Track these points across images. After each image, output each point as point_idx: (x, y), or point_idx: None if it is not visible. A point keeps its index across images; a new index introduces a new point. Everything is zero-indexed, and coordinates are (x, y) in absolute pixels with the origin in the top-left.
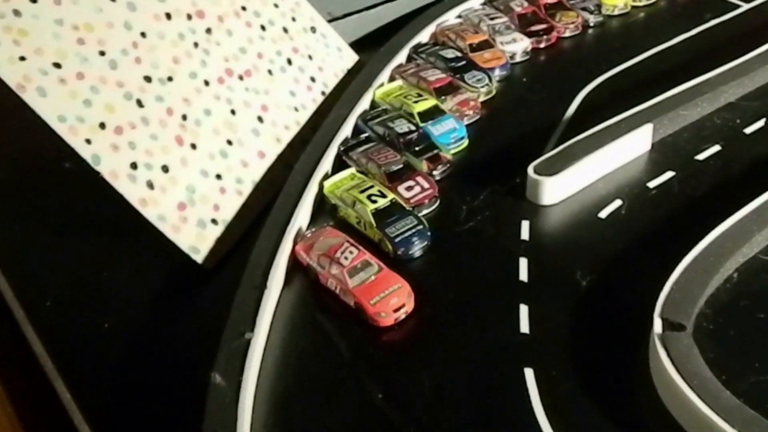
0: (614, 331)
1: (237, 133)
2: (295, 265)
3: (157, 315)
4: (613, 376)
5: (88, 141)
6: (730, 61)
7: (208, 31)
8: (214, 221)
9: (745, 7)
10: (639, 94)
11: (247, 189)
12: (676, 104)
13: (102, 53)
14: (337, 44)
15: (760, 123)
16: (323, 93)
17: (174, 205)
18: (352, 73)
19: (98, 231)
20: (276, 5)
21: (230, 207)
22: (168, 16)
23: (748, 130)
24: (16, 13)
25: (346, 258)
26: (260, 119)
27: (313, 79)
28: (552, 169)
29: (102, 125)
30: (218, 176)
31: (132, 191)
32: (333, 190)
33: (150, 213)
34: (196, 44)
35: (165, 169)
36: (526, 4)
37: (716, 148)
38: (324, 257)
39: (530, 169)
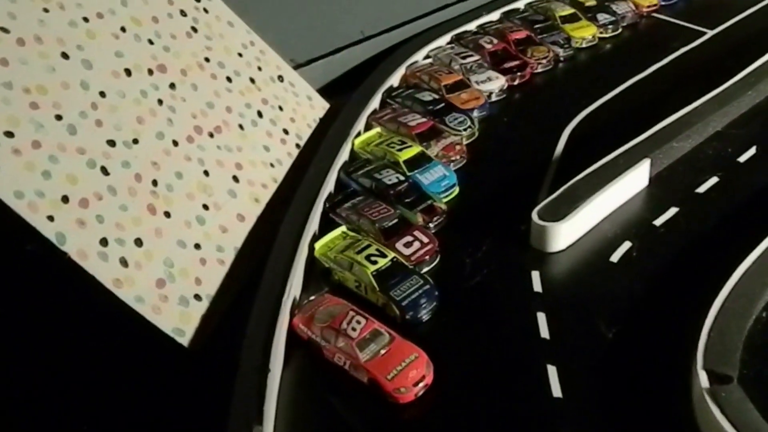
0: (651, 386)
1: (212, 196)
2: (293, 339)
3: (146, 407)
4: None
5: (51, 218)
6: (708, 88)
7: (172, 86)
8: (197, 297)
9: (710, 33)
10: (625, 127)
11: (230, 257)
12: (669, 137)
13: (59, 117)
14: (306, 92)
15: (752, 150)
16: (298, 146)
17: (152, 283)
18: (325, 122)
19: (69, 318)
20: (240, 54)
21: (213, 279)
22: (128, 72)
23: (742, 159)
24: None
25: (353, 329)
26: (236, 179)
27: (286, 132)
28: (557, 213)
29: (65, 198)
30: (197, 246)
31: (104, 271)
32: (325, 252)
33: (126, 294)
34: (160, 101)
35: (138, 242)
36: (495, 41)
37: (714, 179)
38: (328, 329)
39: (534, 215)
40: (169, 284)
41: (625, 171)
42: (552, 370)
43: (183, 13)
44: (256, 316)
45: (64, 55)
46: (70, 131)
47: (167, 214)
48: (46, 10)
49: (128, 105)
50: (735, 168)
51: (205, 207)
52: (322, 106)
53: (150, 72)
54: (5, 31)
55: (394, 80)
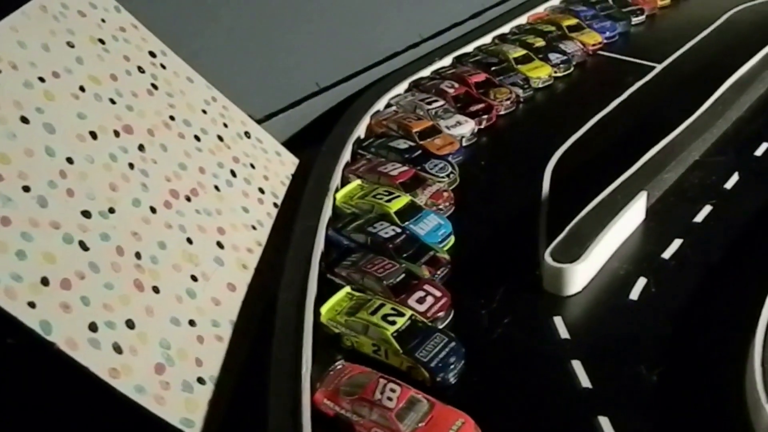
0: (711, 427)
1: (199, 265)
2: (317, 417)
3: None
4: None
5: (32, 304)
6: (676, 119)
7: (141, 147)
8: (200, 380)
9: (659, 67)
10: (604, 161)
11: (227, 332)
12: (658, 168)
13: (26, 189)
14: (274, 148)
15: (735, 176)
16: (275, 204)
17: (150, 369)
18: (298, 178)
19: (64, 416)
20: (204, 111)
21: (214, 359)
22: (93, 135)
23: (729, 185)
24: None
25: (389, 398)
26: (220, 245)
27: (261, 191)
28: (569, 254)
29: (44, 281)
30: (191, 322)
31: (98, 361)
32: (333, 317)
33: (125, 385)
34: (131, 165)
35: (130, 324)
36: (456, 85)
37: (708, 207)
38: (359, 402)
39: (547, 258)
40: (169, 368)
41: (625, 206)
42: (605, 421)
43: (141, 70)
44: (275, 397)
45: (24, 120)
46: (40, 203)
47: (156, 290)
48: None
49: (98, 171)
50: (725, 195)
51: (194, 278)
52: (291, 161)
53: (116, 134)
54: None
55: (360, 130)
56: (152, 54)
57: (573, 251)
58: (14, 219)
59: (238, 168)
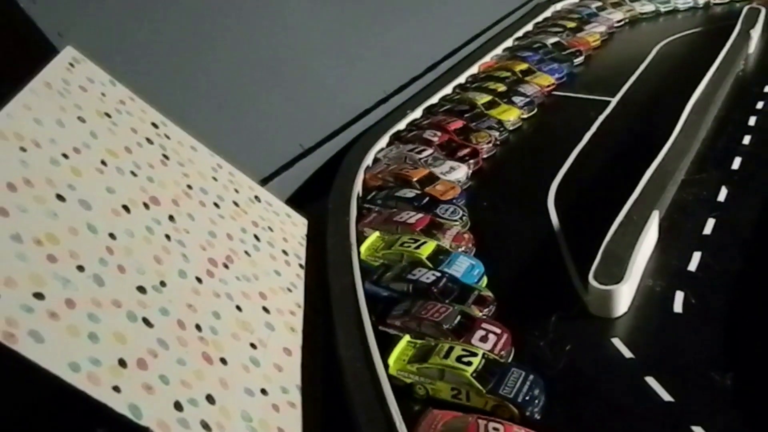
0: None
1: (254, 332)
2: None
3: None
4: None
5: (116, 389)
6: (651, 143)
7: (171, 218)
8: None
9: (614, 100)
10: (600, 188)
11: (297, 398)
12: (658, 189)
13: (81, 268)
14: (284, 210)
15: (724, 190)
16: (301, 266)
17: None
18: (312, 238)
19: None
20: (215, 178)
21: (294, 426)
22: (126, 209)
23: (721, 198)
24: None
25: None
26: (266, 310)
27: (285, 253)
28: (612, 275)
29: (122, 362)
30: (263, 391)
31: None
32: (402, 367)
33: None
34: (168, 237)
35: (210, 399)
36: (438, 133)
37: (712, 220)
38: None
39: (592, 281)
40: None
41: (644, 225)
42: (699, 431)
43: (150, 141)
44: None
45: (60, 198)
46: (97, 282)
47: (223, 361)
48: (23, 149)
49: (140, 244)
50: (722, 207)
51: (253, 346)
52: (302, 222)
53: (146, 206)
54: None
55: (358, 186)
56: (155, 125)
57: (614, 272)
58: (77, 301)
59: (260, 232)
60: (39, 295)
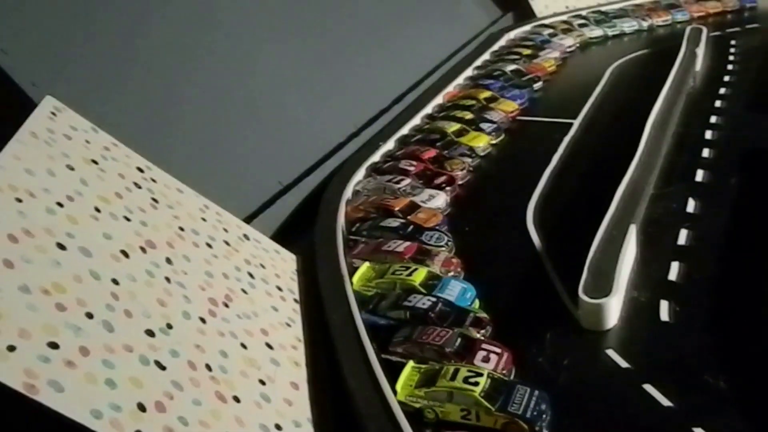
0: None
1: (261, 369)
2: None
3: None
4: None
5: None
6: (617, 161)
7: (169, 261)
8: None
9: (576, 122)
10: (574, 205)
11: (310, 430)
12: (632, 204)
13: (90, 315)
14: (272, 247)
15: (692, 201)
16: (296, 300)
17: None
18: (302, 273)
19: None
20: (204, 219)
21: None
22: (125, 254)
23: (690, 209)
24: None
25: None
26: (269, 346)
27: (280, 288)
28: (600, 290)
29: (141, 407)
30: (278, 426)
31: None
32: (410, 393)
33: None
34: (168, 279)
35: None
36: (414, 162)
37: (685, 231)
38: None
39: (582, 296)
40: None
41: (623, 239)
42: None
43: (138, 186)
44: None
45: (61, 246)
46: (107, 329)
47: (236, 399)
48: (18, 200)
49: (143, 288)
50: (692, 218)
51: (262, 382)
52: (291, 257)
53: (143, 250)
54: None
55: (341, 219)
56: (140, 169)
57: (602, 286)
58: (91, 348)
59: (253, 270)
60: (54, 345)
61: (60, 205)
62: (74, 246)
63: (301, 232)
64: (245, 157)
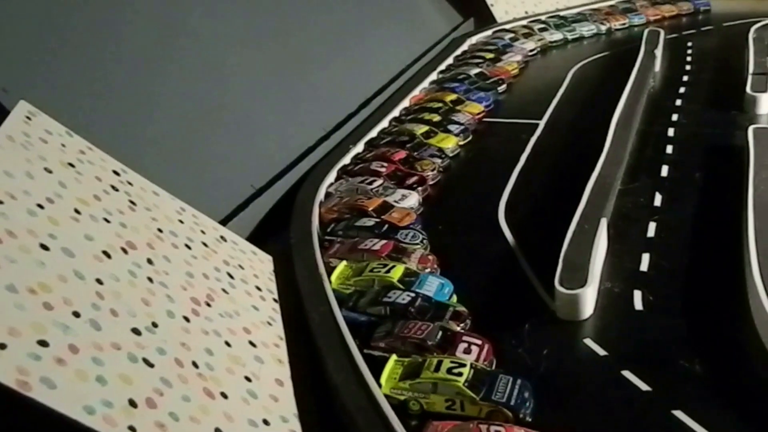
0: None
1: (245, 366)
2: None
3: None
4: None
5: (132, 428)
6: (584, 158)
7: (150, 261)
8: None
9: (542, 122)
10: (543, 202)
11: (297, 426)
12: (601, 199)
13: (77, 314)
14: (249, 248)
15: (659, 195)
16: (275, 300)
17: None
18: (280, 273)
19: None
20: (181, 221)
21: None
22: (107, 254)
23: (657, 203)
24: None
25: None
26: (252, 344)
27: (259, 288)
28: (576, 280)
29: (132, 403)
30: (266, 422)
31: None
32: (395, 386)
33: None
34: (150, 279)
35: None
36: (385, 164)
37: (653, 224)
38: None
39: (558, 287)
40: None
41: (595, 233)
42: (680, 414)
43: (115, 188)
44: None
45: (44, 247)
46: (94, 327)
47: (224, 395)
48: (0, 202)
49: (126, 288)
50: (660, 212)
51: (248, 379)
52: (267, 259)
53: (125, 251)
54: None
55: (315, 220)
56: (116, 173)
57: (577, 277)
58: (80, 346)
59: (232, 270)
60: (43, 343)
61: (40, 206)
62: (57, 247)
63: (275, 234)
64: (217, 160)
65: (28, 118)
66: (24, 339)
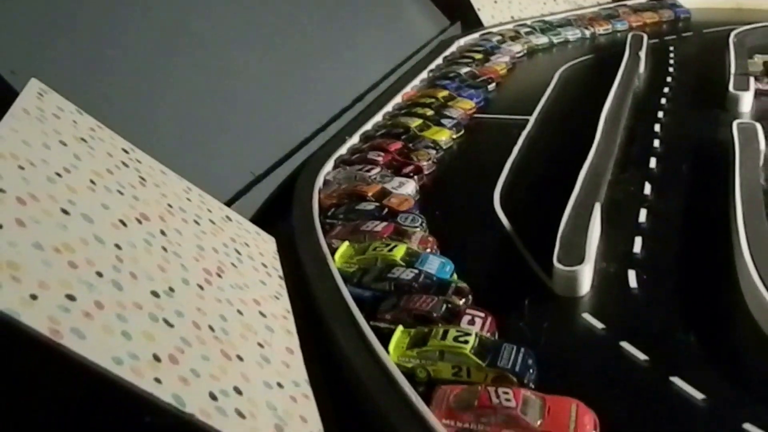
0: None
1: (257, 333)
2: None
3: None
4: None
5: (158, 380)
6: (574, 150)
7: (163, 233)
8: None
9: (532, 118)
10: (537, 190)
11: (309, 391)
12: (594, 187)
13: (99, 274)
14: (253, 229)
15: (648, 185)
16: (280, 277)
17: (273, 430)
18: (283, 253)
19: None
20: (188, 199)
21: (312, 415)
22: (123, 223)
23: (647, 192)
24: None
25: (507, 400)
26: (262, 314)
27: (264, 265)
28: (573, 258)
29: (156, 357)
30: (279, 385)
31: (230, 427)
32: (403, 354)
33: None
34: (164, 248)
35: (238, 390)
36: (382, 153)
37: (644, 210)
38: (482, 411)
39: (557, 264)
40: (286, 429)
41: (590, 216)
42: (677, 381)
43: (125, 164)
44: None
45: (65, 212)
46: (117, 287)
47: (240, 358)
48: (21, 167)
49: (143, 255)
50: (650, 200)
51: (260, 345)
52: (270, 239)
53: (139, 221)
54: (2, 191)
55: (316, 205)
56: (125, 150)
57: (574, 255)
58: (105, 303)
59: (239, 247)
60: (71, 297)
61: (59, 175)
62: (77, 212)
63: (276, 219)
64: (218, 148)
65: (40, 94)
66: (53, 292)
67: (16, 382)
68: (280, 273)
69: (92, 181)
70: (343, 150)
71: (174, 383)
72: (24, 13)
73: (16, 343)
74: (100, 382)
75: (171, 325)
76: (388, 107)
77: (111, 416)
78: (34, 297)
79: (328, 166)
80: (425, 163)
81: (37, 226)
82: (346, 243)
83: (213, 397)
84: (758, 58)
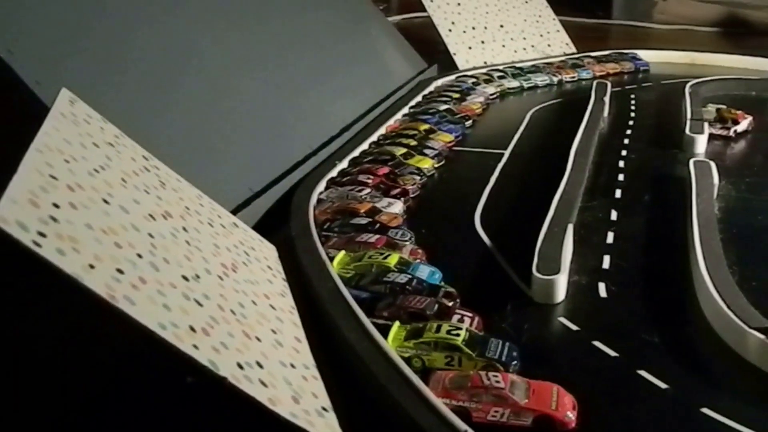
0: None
1: (270, 321)
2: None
3: None
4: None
5: (195, 347)
6: (546, 181)
7: (185, 230)
8: (324, 409)
9: (507, 151)
10: (515, 214)
11: (317, 373)
12: (566, 212)
13: (140, 256)
14: (257, 237)
15: (614, 212)
16: (284, 279)
17: (290, 401)
18: (285, 261)
19: None
20: (201, 204)
21: (321, 392)
22: (152, 217)
23: (614, 217)
24: (54, 219)
25: (497, 381)
26: (272, 307)
27: (270, 268)
28: (550, 269)
29: (192, 328)
30: (292, 365)
31: (258, 392)
32: (400, 344)
33: (283, 411)
34: (188, 242)
35: (259, 365)
36: (371, 176)
37: (611, 233)
38: (474, 390)
39: (536, 273)
40: (302, 401)
41: (564, 235)
42: (645, 374)
43: (146, 169)
44: (406, 408)
45: (105, 201)
46: (155, 268)
47: (258, 339)
48: (66, 161)
49: (172, 245)
50: (617, 225)
51: (273, 332)
52: (271, 247)
53: (164, 217)
54: (54, 178)
55: (311, 218)
56: (145, 158)
57: (551, 267)
58: (147, 279)
59: (247, 249)
60: (120, 271)
61: (96, 171)
62: (115, 203)
63: (272, 232)
64: (221, 165)
65: (71, 102)
66: (106, 265)
67: (82, 337)
68: (284, 276)
69: (123, 180)
70: (334, 173)
71: (208, 351)
72: (47, 24)
73: (81, 302)
74: (149, 341)
75: (201, 305)
76: (374, 137)
77: (158, 373)
78: (92, 266)
79: (321, 186)
80: (411, 187)
81: (86, 210)
82: (343, 252)
83: (240, 366)
84: (711, 107)
